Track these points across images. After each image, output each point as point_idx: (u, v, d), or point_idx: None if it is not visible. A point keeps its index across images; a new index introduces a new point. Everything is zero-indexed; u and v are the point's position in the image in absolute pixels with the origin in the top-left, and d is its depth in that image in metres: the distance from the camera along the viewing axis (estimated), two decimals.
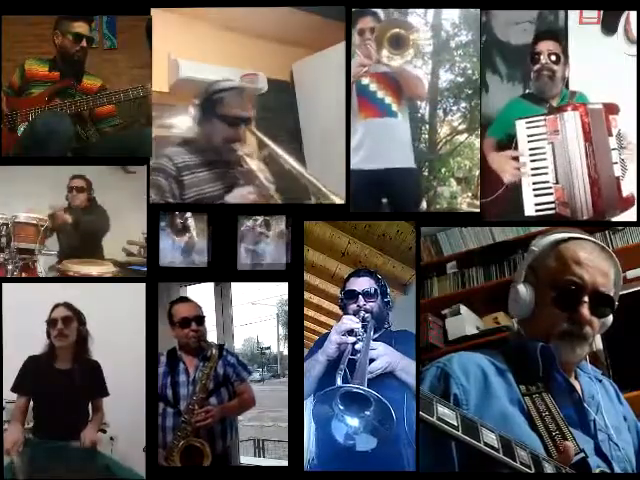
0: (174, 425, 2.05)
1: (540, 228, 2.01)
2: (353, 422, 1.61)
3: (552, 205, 2.10)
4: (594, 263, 1.47)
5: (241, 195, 2.06)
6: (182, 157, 2.03)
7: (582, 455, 1.33)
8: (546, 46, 2.12)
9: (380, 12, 2.15)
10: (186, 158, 2.04)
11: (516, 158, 2.12)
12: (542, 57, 2.12)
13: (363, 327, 1.83)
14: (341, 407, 1.60)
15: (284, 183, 2.11)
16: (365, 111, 2.20)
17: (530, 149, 2.12)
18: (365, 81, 2.20)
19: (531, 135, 2.12)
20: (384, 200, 2.22)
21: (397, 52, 2.11)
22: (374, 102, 2.21)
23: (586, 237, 1.53)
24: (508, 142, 2.14)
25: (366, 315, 1.89)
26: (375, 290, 1.94)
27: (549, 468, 1.28)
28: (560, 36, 2.14)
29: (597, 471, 1.37)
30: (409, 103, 2.26)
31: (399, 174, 2.21)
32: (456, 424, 1.22)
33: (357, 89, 2.19)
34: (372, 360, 1.73)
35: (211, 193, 2.05)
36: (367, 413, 1.59)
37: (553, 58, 2.12)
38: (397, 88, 2.21)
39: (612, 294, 1.50)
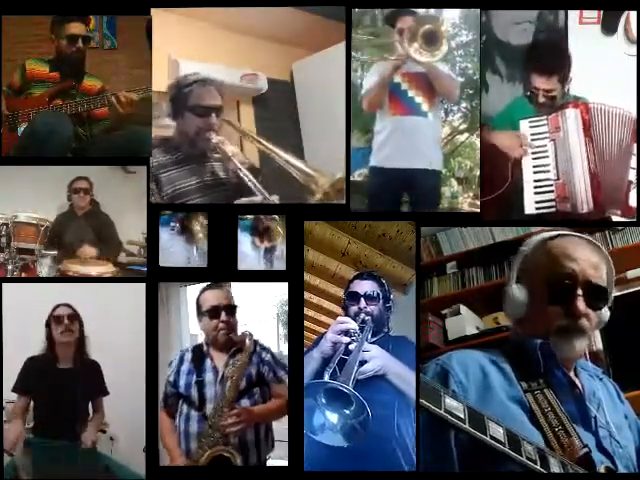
0: (199, 431, 1.90)
1: (540, 228, 2.02)
2: (332, 417, 1.63)
3: (553, 203, 2.11)
4: (584, 256, 1.49)
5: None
6: (158, 157, 2.08)
7: (586, 450, 1.34)
8: (541, 84, 2.12)
9: (420, 11, 2.13)
10: (161, 157, 2.08)
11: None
12: (540, 97, 2.13)
13: (360, 329, 1.84)
14: (324, 401, 1.62)
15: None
16: (394, 108, 2.19)
17: (532, 147, 2.13)
18: (397, 79, 2.19)
19: (534, 134, 2.13)
20: (404, 200, 2.21)
21: (429, 48, 2.07)
22: (404, 100, 2.20)
23: (573, 233, 1.55)
24: None
25: (366, 318, 1.90)
26: (377, 294, 1.95)
27: (554, 463, 1.29)
28: (555, 66, 2.12)
29: (602, 467, 1.37)
30: (441, 104, 2.25)
31: (423, 175, 2.19)
32: (463, 417, 1.22)
33: (389, 87, 2.18)
34: (365, 362, 1.74)
35: (185, 189, 2.07)
36: (347, 412, 1.61)
37: (550, 96, 2.13)
38: (429, 88, 2.19)
39: (605, 286, 1.51)
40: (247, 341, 1.95)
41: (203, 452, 1.87)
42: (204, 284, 2.05)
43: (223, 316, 1.98)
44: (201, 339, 2.06)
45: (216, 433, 1.87)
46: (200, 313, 2.01)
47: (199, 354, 2.01)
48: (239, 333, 2.01)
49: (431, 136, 2.22)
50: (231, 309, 2.01)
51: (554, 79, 2.12)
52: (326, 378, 1.65)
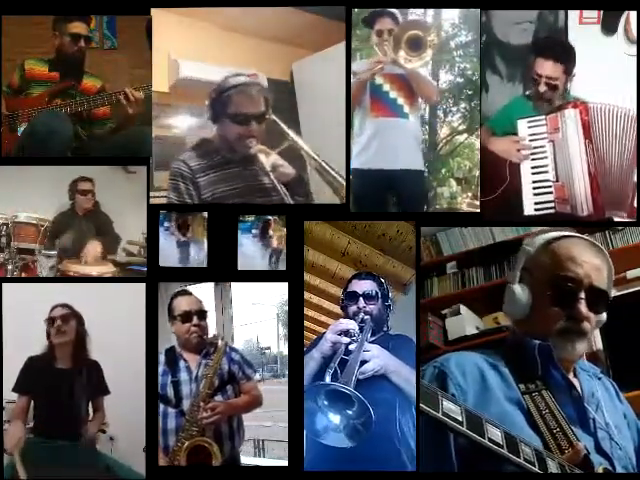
0: (177, 426, 2.00)
1: (540, 228, 2.02)
2: (335, 419, 1.63)
3: (552, 204, 2.11)
4: (588, 259, 1.48)
5: None
6: (196, 160, 2.04)
7: (584, 452, 1.34)
8: (545, 70, 2.11)
9: (398, 13, 2.14)
10: (200, 161, 2.04)
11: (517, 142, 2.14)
12: (541, 85, 2.11)
13: (360, 328, 1.85)
14: (325, 403, 1.62)
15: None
16: (376, 110, 2.20)
17: (531, 149, 2.13)
18: (379, 81, 2.19)
19: (532, 134, 2.13)
20: (391, 201, 2.21)
21: (415, 54, 2.09)
22: (386, 102, 2.21)
23: (578, 235, 1.54)
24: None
25: (365, 317, 1.90)
26: (376, 293, 1.95)
27: (552, 465, 1.29)
28: (562, 55, 2.11)
29: (600, 468, 1.37)
30: (422, 106, 2.26)
31: (406, 176, 2.20)
32: (461, 419, 1.22)
33: (370, 88, 2.19)
34: (365, 362, 1.74)
35: (224, 193, 2.05)
36: (349, 412, 1.61)
37: (552, 85, 2.11)
38: (410, 90, 2.20)
39: (607, 290, 1.51)
40: (220, 342, 2.06)
41: (182, 445, 1.96)
42: (175, 290, 2.10)
43: (195, 320, 2.07)
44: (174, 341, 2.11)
45: (193, 426, 1.96)
46: (172, 317, 2.08)
47: (172, 356, 2.07)
48: (210, 335, 2.10)
49: (413, 137, 2.23)
50: (202, 313, 2.09)
51: (559, 67, 2.10)
52: (327, 379, 1.65)
